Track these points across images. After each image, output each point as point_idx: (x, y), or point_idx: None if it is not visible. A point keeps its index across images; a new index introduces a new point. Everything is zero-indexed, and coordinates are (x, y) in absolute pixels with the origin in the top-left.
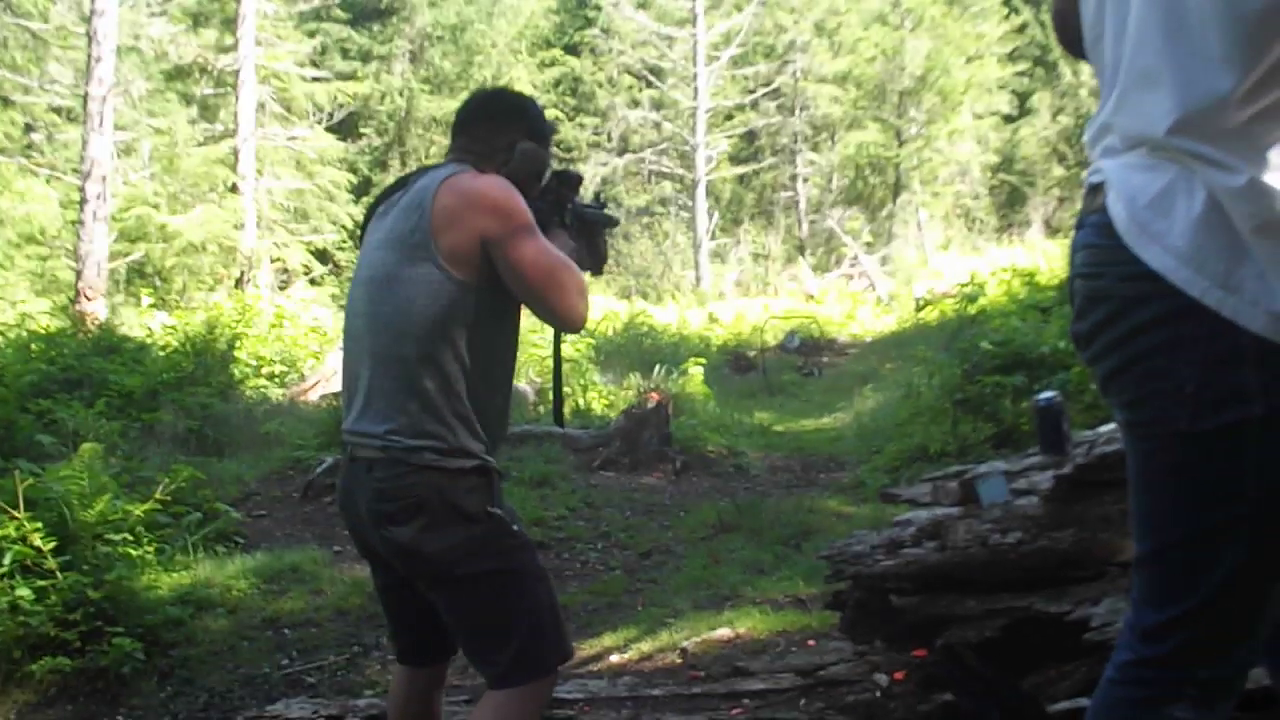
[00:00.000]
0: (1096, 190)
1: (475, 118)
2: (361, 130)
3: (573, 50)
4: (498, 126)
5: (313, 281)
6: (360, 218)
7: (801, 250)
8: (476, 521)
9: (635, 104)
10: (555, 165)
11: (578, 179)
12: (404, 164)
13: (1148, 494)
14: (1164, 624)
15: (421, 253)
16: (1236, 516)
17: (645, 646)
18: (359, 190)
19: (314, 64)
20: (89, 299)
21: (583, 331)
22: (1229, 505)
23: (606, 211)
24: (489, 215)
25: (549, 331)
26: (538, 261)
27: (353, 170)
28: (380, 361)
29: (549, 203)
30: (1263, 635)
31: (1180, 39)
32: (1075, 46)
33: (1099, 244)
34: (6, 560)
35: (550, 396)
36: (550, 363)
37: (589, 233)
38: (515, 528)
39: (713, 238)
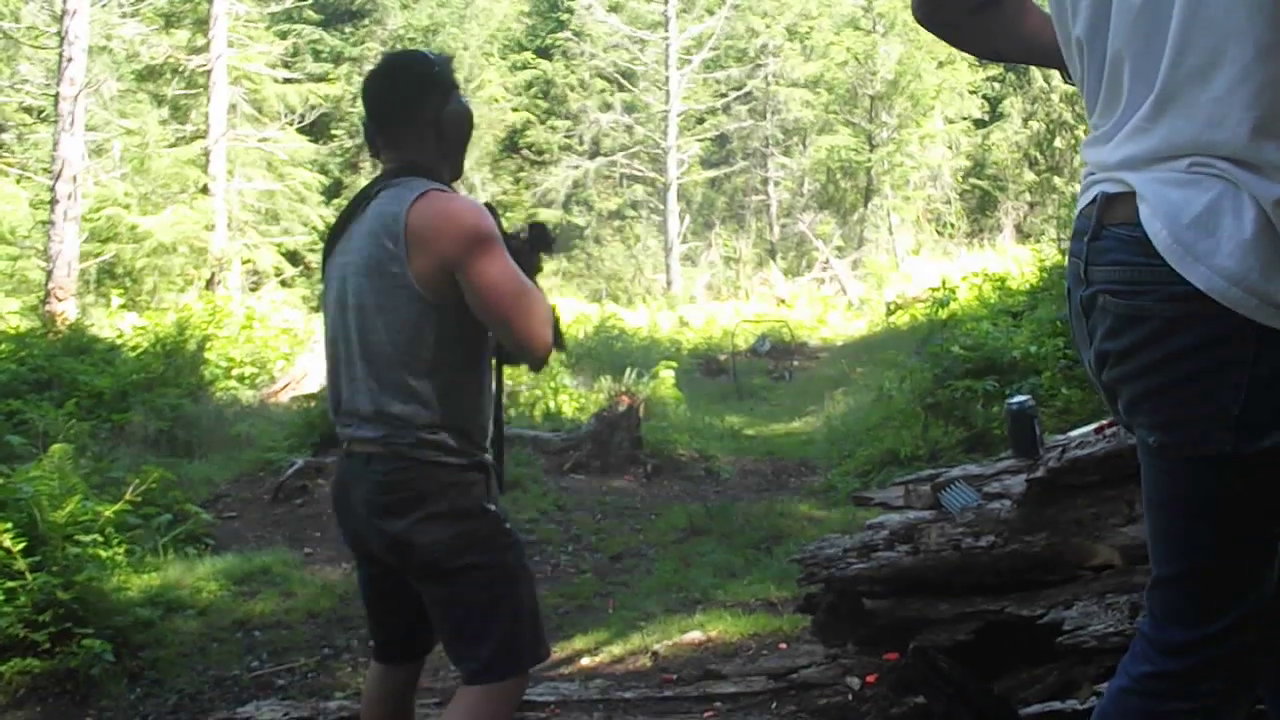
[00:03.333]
0: (1116, 200)
1: (387, 110)
2: (333, 132)
3: (545, 53)
4: (413, 108)
5: (284, 283)
6: (332, 219)
7: (772, 254)
8: (473, 516)
9: (607, 107)
10: (528, 169)
11: (549, 240)
12: (375, 166)
13: (1177, 516)
14: (1191, 641)
15: (398, 280)
16: (1276, 537)
17: (616, 649)
18: (330, 192)
19: (286, 65)
20: (59, 299)
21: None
22: (1269, 526)
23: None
24: (455, 239)
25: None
26: (501, 285)
27: (324, 172)
28: (375, 378)
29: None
30: None
31: (1243, 25)
32: (945, 29)
33: (1134, 261)
34: None
35: (520, 397)
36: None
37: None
38: (507, 525)
39: (684, 241)
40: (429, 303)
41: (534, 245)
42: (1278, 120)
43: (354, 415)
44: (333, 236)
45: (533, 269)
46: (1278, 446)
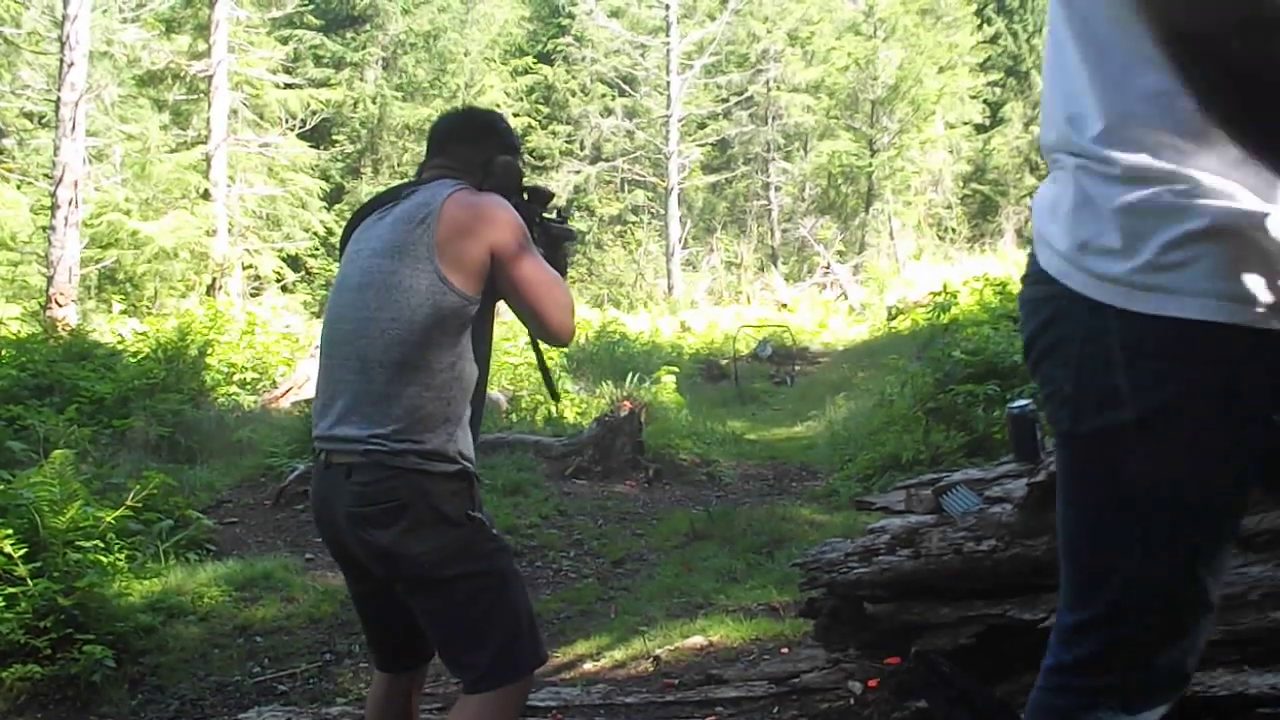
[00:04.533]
0: None
1: (451, 139)
2: (334, 137)
3: (546, 58)
4: (474, 145)
5: (284, 289)
6: (333, 225)
7: (774, 259)
8: (458, 525)
9: (608, 112)
10: (529, 174)
11: (549, 196)
12: (376, 171)
13: (1058, 493)
14: (1078, 626)
15: (424, 264)
16: (1125, 522)
17: (618, 654)
18: (331, 197)
19: (287, 71)
20: (60, 305)
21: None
22: (1116, 511)
23: (569, 225)
24: (501, 229)
25: (522, 338)
26: (537, 278)
27: (325, 177)
28: (368, 367)
29: (523, 217)
30: (1195, 646)
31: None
32: None
33: (1030, 256)
34: None
35: (522, 402)
36: (525, 369)
37: (552, 247)
38: (494, 531)
39: (685, 246)
40: (453, 290)
41: (532, 213)
42: (1114, 133)
43: (338, 424)
44: (357, 224)
45: (562, 258)
46: (1108, 428)
